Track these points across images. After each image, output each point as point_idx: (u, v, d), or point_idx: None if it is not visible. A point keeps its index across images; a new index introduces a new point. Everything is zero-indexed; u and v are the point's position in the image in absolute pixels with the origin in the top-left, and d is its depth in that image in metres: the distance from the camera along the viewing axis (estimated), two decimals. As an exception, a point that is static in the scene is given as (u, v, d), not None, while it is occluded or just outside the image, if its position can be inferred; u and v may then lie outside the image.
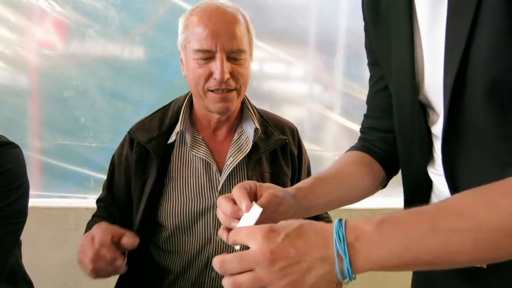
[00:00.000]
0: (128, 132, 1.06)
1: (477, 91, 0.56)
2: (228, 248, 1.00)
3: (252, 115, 1.06)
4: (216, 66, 0.93)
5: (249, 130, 1.05)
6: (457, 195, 0.52)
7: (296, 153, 1.09)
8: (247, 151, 1.01)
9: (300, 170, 1.09)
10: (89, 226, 1.01)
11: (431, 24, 0.63)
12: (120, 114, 1.89)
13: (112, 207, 1.06)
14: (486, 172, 0.60)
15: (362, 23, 0.83)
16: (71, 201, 1.87)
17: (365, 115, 0.91)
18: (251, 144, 1.02)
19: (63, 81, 1.85)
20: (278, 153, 1.06)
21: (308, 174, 1.13)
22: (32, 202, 1.78)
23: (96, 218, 1.05)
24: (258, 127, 1.03)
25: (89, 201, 1.87)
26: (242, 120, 1.08)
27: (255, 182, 0.69)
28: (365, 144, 0.88)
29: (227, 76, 0.93)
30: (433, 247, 0.48)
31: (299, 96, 2.15)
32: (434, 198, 0.76)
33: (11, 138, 1.02)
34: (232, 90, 0.97)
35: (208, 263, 1.01)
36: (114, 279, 1.04)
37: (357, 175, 0.81)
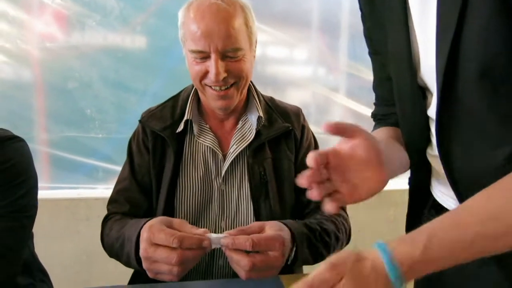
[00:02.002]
0: (140, 121, 1.06)
1: (469, 74, 0.57)
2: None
3: (257, 103, 1.06)
4: (210, 66, 0.93)
5: (253, 119, 1.04)
6: (483, 197, 0.54)
7: (299, 137, 1.08)
8: (250, 140, 1.01)
9: (299, 151, 1.08)
10: (110, 228, 0.98)
11: (423, 8, 0.63)
12: (125, 104, 1.90)
13: (138, 195, 1.03)
14: (478, 153, 0.61)
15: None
16: (80, 192, 1.89)
17: (376, 104, 0.90)
18: (254, 132, 1.02)
19: (66, 73, 1.85)
20: (281, 139, 1.05)
21: None
22: (42, 194, 1.80)
23: (118, 215, 1.01)
24: (261, 115, 1.03)
25: (99, 191, 1.90)
26: (247, 108, 1.08)
27: None
28: (390, 121, 0.85)
29: (221, 76, 0.93)
30: (478, 252, 0.53)
31: (303, 79, 2.13)
32: (434, 180, 0.77)
33: (18, 132, 1.02)
34: (231, 86, 0.96)
35: (215, 251, 1.01)
36: (126, 269, 1.06)
37: (400, 147, 0.77)
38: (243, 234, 0.79)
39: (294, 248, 0.86)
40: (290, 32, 2.06)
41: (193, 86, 1.08)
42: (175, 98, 1.09)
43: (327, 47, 2.13)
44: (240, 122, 1.05)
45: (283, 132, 1.04)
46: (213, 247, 0.79)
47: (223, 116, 1.05)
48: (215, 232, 0.99)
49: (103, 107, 1.88)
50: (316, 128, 2.13)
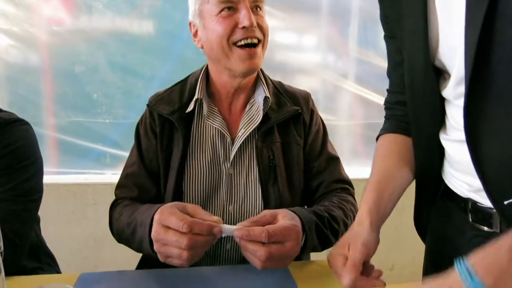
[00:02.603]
0: (148, 105, 1.05)
1: (503, 52, 0.54)
2: (241, 218, 1.00)
3: (264, 85, 1.04)
4: (242, 14, 0.92)
5: (260, 100, 1.03)
6: None
7: (308, 121, 1.07)
8: (258, 122, 1.00)
9: (308, 136, 1.07)
10: (119, 213, 0.97)
11: None
12: (132, 89, 1.88)
13: (146, 180, 1.02)
14: (507, 137, 0.59)
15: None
16: (88, 177, 1.89)
17: (388, 90, 0.89)
18: (262, 114, 1.01)
19: (73, 57, 1.84)
20: (290, 123, 1.04)
21: (323, 144, 1.10)
22: (50, 179, 1.82)
23: (126, 201, 1.01)
24: (268, 96, 1.02)
25: (106, 177, 1.90)
26: (255, 91, 1.06)
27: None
28: (395, 123, 0.86)
29: (255, 22, 0.92)
30: None
31: (313, 65, 2.10)
32: (447, 165, 0.75)
33: (26, 116, 1.01)
34: (257, 44, 0.95)
35: (222, 239, 0.99)
36: (134, 255, 1.06)
37: (401, 169, 0.80)
38: (255, 224, 0.78)
39: (304, 236, 0.85)
40: (300, 17, 2.03)
41: (201, 70, 1.06)
42: (183, 82, 1.08)
43: (337, 33, 2.10)
44: (248, 105, 1.04)
45: (292, 116, 1.03)
46: (223, 235, 0.78)
47: (233, 95, 1.03)
48: (222, 217, 0.99)
49: (110, 92, 1.87)
50: (326, 115, 2.12)
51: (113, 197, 1.06)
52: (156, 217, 0.78)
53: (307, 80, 2.13)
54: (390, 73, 0.86)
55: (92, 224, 1.85)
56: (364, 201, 0.76)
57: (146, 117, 1.05)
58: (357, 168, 1.98)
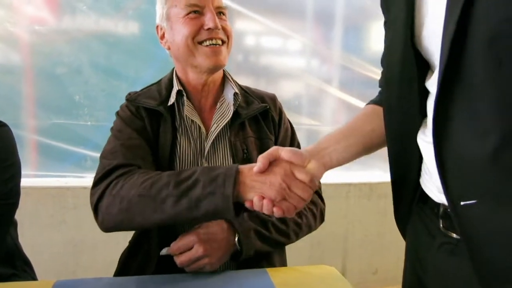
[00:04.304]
0: (130, 100, 1.05)
1: (478, 40, 0.54)
2: None
3: (232, 83, 1.10)
4: (207, 17, 0.99)
5: (229, 97, 1.09)
6: None
7: (277, 120, 1.14)
8: (229, 117, 1.05)
9: (278, 134, 1.14)
10: (146, 177, 0.85)
11: None
12: (115, 91, 1.85)
13: (147, 151, 0.97)
14: (468, 139, 0.59)
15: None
16: (68, 180, 1.85)
17: (382, 73, 0.90)
18: (232, 109, 1.06)
19: (55, 58, 1.81)
20: (260, 119, 1.10)
21: (292, 140, 1.17)
22: (29, 182, 1.78)
23: (133, 168, 0.90)
24: (237, 91, 1.07)
25: (87, 180, 1.87)
26: (224, 90, 1.12)
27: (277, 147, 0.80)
28: (381, 97, 0.87)
29: (219, 24, 0.99)
30: None
31: (297, 70, 2.11)
32: (424, 167, 0.74)
33: (5, 117, 0.99)
34: (222, 44, 1.01)
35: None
36: (113, 260, 1.04)
37: (368, 127, 0.84)
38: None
39: (237, 238, 0.94)
40: (284, 22, 2.04)
41: (171, 72, 1.10)
42: (157, 83, 1.11)
43: (321, 38, 2.11)
44: (218, 103, 1.08)
45: (261, 112, 1.09)
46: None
47: (202, 93, 1.07)
48: None
49: (93, 94, 1.85)
50: (310, 120, 2.14)
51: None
52: (284, 165, 0.79)
53: (291, 85, 2.14)
54: (383, 58, 0.86)
55: (71, 229, 1.81)
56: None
57: (129, 106, 1.03)
58: (339, 172, 1.99)
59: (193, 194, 0.79)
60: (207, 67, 1.01)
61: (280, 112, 1.17)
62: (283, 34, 2.06)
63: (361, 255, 2.08)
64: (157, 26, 1.09)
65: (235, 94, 1.07)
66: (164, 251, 0.91)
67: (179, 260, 0.89)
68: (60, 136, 1.83)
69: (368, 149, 0.85)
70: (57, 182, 1.84)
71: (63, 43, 1.80)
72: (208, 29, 0.98)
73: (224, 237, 0.92)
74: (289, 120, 1.20)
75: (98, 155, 1.73)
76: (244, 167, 0.80)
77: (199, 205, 0.79)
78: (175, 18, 1.02)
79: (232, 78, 1.13)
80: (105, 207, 0.86)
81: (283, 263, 1.11)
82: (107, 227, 0.87)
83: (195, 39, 0.99)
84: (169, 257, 0.95)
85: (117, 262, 1.05)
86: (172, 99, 1.03)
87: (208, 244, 0.89)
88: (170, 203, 0.80)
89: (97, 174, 0.93)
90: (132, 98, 1.05)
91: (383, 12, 0.82)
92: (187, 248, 0.89)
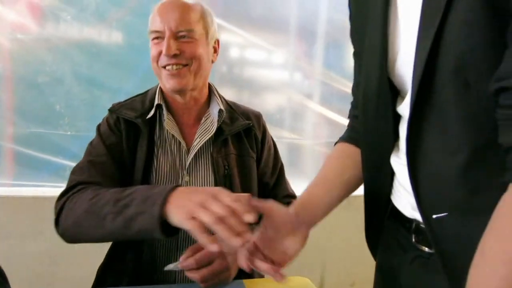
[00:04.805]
0: (111, 110, 1.08)
1: (446, 68, 0.58)
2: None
3: (218, 100, 1.13)
4: (163, 43, 1.01)
5: (214, 113, 1.11)
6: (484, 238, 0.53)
7: (260, 138, 1.16)
8: (212, 132, 1.07)
9: (262, 153, 1.16)
10: (94, 194, 0.87)
11: (410, 3, 0.64)
12: (97, 101, 1.84)
13: (112, 168, 0.99)
14: (439, 157, 0.62)
15: (342, 13, 0.84)
16: (45, 190, 1.82)
17: (352, 104, 0.94)
18: (216, 125, 1.08)
19: (37, 67, 1.79)
20: (243, 136, 1.13)
21: (275, 158, 1.21)
22: (5, 191, 1.74)
23: (89, 185, 0.93)
24: (222, 108, 1.10)
25: (65, 190, 1.83)
26: (209, 106, 1.14)
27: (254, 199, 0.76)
28: (351, 134, 0.90)
29: (172, 51, 1.00)
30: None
31: (280, 83, 2.15)
32: (396, 184, 0.77)
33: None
34: (183, 66, 1.03)
35: (179, 244, 1.03)
36: (90, 273, 1.03)
37: (342, 171, 0.86)
38: (192, 252, 0.87)
39: None
40: (268, 37, 2.08)
41: (157, 85, 1.13)
42: (143, 94, 1.14)
43: (303, 53, 2.16)
44: (204, 117, 1.11)
45: (244, 130, 1.12)
46: (177, 270, 0.89)
47: (183, 110, 1.10)
48: None
49: (74, 104, 1.83)
50: (291, 134, 2.16)
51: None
52: (209, 189, 0.75)
53: (274, 98, 2.17)
54: (354, 88, 0.90)
55: (48, 240, 1.77)
56: (298, 198, 0.85)
57: (109, 119, 1.07)
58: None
59: (127, 213, 0.79)
60: (170, 89, 1.05)
61: (264, 131, 1.19)
62: (266, 49, 2.10)
63: (339, 267, 2.09)
64: None
65: (220, 110, 1.09)
66: (171, 267, 0.87)
67: (200, 274, 0.85)
68: (38, 146, 1.80)
69: (346, 195, 0.88)
70: (34, 191, 1.80)
71: (46, 52, 1.79)
72: (166, 54, 1.01)
73: (231, 253, 0.90)
74: (272, 139, 1.22)
75: (78, 165, 1.67)
76: (182, 188, 0.78)
77: (132, 224, 0.79)
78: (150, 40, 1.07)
79: (218, 94, 1.15)
80: (63, 221, 0.90)
81: (261, 274, 1.12)
82: (67, 240, 0.91)
83: (159, 63, 1.04)
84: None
85: (94, 273, 1.04)
86: (151, 113, 1.05)
87: (230, 256, 0.90)
88: (109, 220, 0.81)
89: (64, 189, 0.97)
90: (114, 109, 1.07)
91: (354, 43, 0.85)
92: (207, 261, 0.87)
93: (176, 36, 1.02)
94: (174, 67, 1.02)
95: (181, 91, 1.06)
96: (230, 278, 0.91)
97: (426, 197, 0.65)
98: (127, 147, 1.02)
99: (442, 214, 0.63)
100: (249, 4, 1.98)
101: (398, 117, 0.73)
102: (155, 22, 1.04)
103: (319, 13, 2.11)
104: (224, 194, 0.72)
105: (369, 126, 0.78)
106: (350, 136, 0.90)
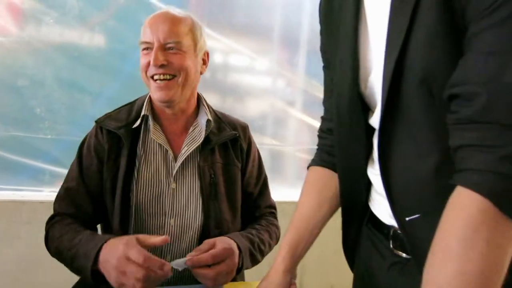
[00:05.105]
0: (97, 121, 1.10)
1: (412, 81, 0.61)
2: (181, 231, 1.06)
3: (206, 110, 1.15)
4: (152, 54, 1.04)
5: (202, 122, 1.14)
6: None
7: (245, 149, 1.19)
8: (200, 141, 1.10)
9: (247, 163, 1.20)
10: (60, 232, 1.00)
11: (378, 21, 0.67)
12: (78, 105, 1.83)
13: (83, 196, 1.06)
14: (410, 164, 0.65)
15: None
16: (24, 194, 1.79)
17: (322, 118, 0.95)
18: (204, 135, 1.10)
19: (17, 70, 1.77)
20: (229, 146, 1.15)
21: (259, 168, 1.25)
22: (-18, 195, 1.71)
23: (66, 218, 1.04)
24: (210, 119, 1.12)
25: (44, 194, 1.81)
26: (197, 116, 1.16)
27: None
28: (322, 155, 0.92)
29: (159, 61, 1.03)
30: None
31: (263, 90, 2.17)
32: (373, 192, 0.79)
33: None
34: (171, 78, 1.05)
35: (162, 250, 1.06)
36: (69, 278, 1.03)
37: (319, 207, 0.89)
38: (200, 252, 0.94)
39: (241, 258, 1.00)
40: (250, 44, 2.10)
41: (147, 94, 1.14)
42: (131, 104, 1.16)
43: (286, 61, 2.19)
44: (192, 127, 1.13)
45: (230, 140, 1.15)
46: (180, 269, 0.91)
47: (172, 119, 1.12)
48: (164, 229, 1.06)
49: (54, 107, 1.81)
50: (273, 140, 2.18)
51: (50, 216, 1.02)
52: (120, 248, 0.84)
53: (256, 104, 2.19)
54: (325, 102, 0.92)
55: (26, 245, 1.75)
56: (285, 241, 0.88)
57: (92, 136, 1.09)
58: (295, 191, 2.03)
59: (76, 264, 0.93)
60: (158, 100, 1.08)
61: (250, 142, 1.22)
62: (250, 56, 2.12)
63: (317, 271, 2.11)
64: None
65: (208, 121, 1.12)
66: (179, 263, 0.90)
67: (214, 272, 0.92)
68: (18, 149, 1.78)
69: (328, 220, 0.91)
70: (12, 195, 1.77)
71: (26, 55, 1.77)
72: (154, 65, 1.03)
73: (237, 253, 0.99)
74: (258, 151, 1.26)
75: (57, 169, 1.71)
76: (105, 246, 0.88)
77: (80, 274, 0.95)
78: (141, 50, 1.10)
79: (207, 104, 1.18)
80: (50, 243, 1.02)
81: (242, 278, 1.15)
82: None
83: (147, 73, 1.06)
84: None
85: (73, 280, 1.04)
86: (137, 123, 1.08)
87: (237, 258, 0.98)
88: (68, 262, 0.95)
89: None
90: (99, 120, 1.10)
91: (324, 57, 0.87)
92: (221, 259, 0.94)
93: (164, 48, 1.04)
94: (162, 76, 1.04)
95: (168, 102, 1.08)
96: (228, 281, 0.96)
97: (400, 202, 0.68)
98: (108, 165, 1.06)
99: (414, 216, 0.65)
100: (233, 12, 2.01)
101: (371, 130, 0.75)
102: (145, 34, 1.06)
103: (302, 22, 2.15)
104: (134, 252, 0.83)
105: (344, 139, 0.80)
106: (322, 159, 0.92)
